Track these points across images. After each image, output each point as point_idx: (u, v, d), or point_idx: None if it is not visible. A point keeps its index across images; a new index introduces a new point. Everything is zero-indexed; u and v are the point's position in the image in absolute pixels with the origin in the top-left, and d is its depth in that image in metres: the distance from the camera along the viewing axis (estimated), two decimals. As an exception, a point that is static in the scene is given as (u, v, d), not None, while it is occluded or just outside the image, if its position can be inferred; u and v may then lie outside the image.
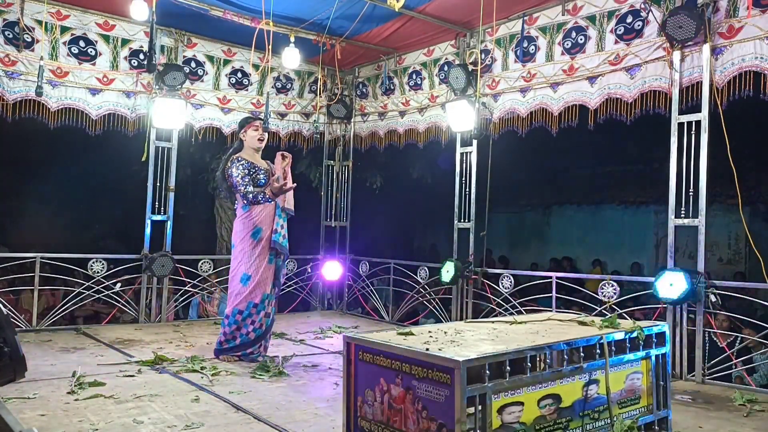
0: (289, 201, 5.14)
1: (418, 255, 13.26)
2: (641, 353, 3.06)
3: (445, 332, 2.97)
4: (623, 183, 12.64)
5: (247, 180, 4.96)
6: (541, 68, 6.08)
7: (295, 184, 5.09)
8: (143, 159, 6.82)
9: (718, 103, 4.77)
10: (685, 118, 5.01)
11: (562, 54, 5.91)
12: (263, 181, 5.03)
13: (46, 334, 6.05)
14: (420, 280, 7.40)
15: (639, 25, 5.36)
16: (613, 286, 5.53)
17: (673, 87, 5.06)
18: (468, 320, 4.20)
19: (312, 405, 3.88)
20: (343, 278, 8.36)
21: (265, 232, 4.98)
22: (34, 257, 6.38)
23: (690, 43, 4.89)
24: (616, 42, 5.51)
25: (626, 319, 3.66)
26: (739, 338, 4.96)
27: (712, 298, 4.82)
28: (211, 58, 7.39)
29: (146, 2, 5.61)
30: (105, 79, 6.61)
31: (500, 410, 2.49)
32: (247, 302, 4.95)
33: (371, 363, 2.74)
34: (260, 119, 5.44)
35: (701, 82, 4.89)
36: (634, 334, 3.03)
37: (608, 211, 13.47)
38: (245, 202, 4.97)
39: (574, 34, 5.83)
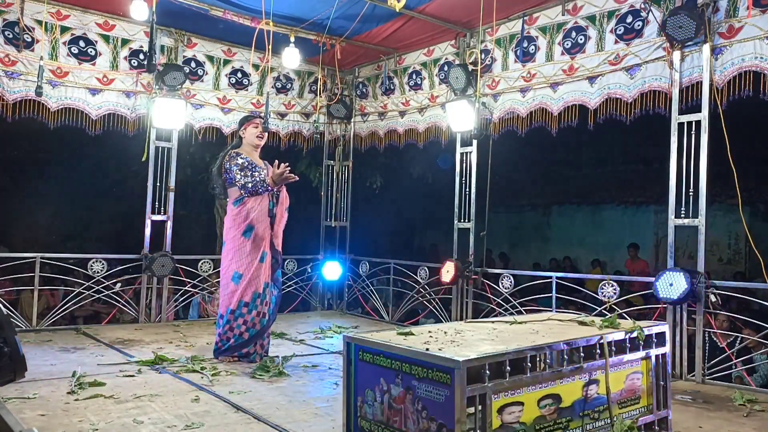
0: (277, 240, 5.14)
1: (418, 255, 13.26)
2: (641, 353, 3.07)
3: (445, 332, 2.97)
4: (623, 183, 12.65)
5: (244, 172, 4.94)
6: (541, 68, 6.08)
7: (297, 178, 5.04)
8: (143, 159, 6.81)
9: (718, 103, 4.77)
10: (685, 118, 5.01)
11: (562, 54, 5.91)
12: (260, 178, 5.02)
13: (46, 334, 6.05)
14: (420, 280, 7.40)
15: (639, 25, 5.36)
16: (613, 286, 5.53)
17: (673, 87, 5.06)
18: (468, 320, 4.21)
19: (312, 405, 3.88)
20: (343, 278, 8.37)
21: (257, 230, 4.96)
22: (34, 257, 6.38)
23: (690, 43, 4.89)
24: (616, 42, 5.51)
25: (626, 319, 3.66)
26: (739, 338, 4.96)
27: (712, 298, 4.82)
28: (211, 58, 7.39)
29: (146, 2, 5.62)
30: (105, 79, 6.62)
31: (500, 410, 2.49)
32: (239, 301, 4.92)
33: (371, 363, 2.74)
34: (261, 118, 5.44)
35: (701, 82, 4.89)
36: (634, 334, 3.03)
37: (608, 211, 13.48)
38: (242, 193, 4.91)
39: (574, 34, 5.83)
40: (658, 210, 11.70)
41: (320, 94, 8.17)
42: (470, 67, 6.51)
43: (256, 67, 7.57)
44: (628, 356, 3.00)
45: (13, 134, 8.61)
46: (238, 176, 4.92)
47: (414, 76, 7.58)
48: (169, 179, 6.93)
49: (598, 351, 2.85)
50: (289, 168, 4.88)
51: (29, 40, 6.14)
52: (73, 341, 5.73)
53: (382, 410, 2.67)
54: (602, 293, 5.57)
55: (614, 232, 13.16)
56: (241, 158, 4.99)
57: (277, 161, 5.08)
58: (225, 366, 4.83)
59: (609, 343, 2.89)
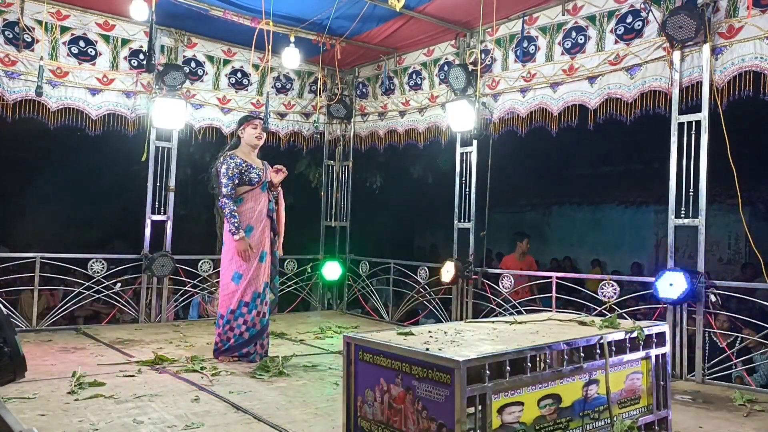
0: (281, 239, 5.24)
1: (418, 255, 13.26)
2: (641, 353, 3.07)
3: (445, 332, 2.97)
4: (623, 183, 12.65)
5: (234, 180, 4.89)
6: (541, 68, 6.08)
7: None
8: (143, 159, 6.81)
9: (718, 103, 4.77)
10: (685, 118, 5.01)
11: (562, 54, 5.91)
12: (255, 179, 4.99)
13: (46, 334, 6.05)
14: (420, 280, 7.39)
15: (639, 25, 5.36)
16: (613, 286, 5.53)
17: (673, 87, 5.06)
18: (468, 320, 4.21)
19: (312, 405, 3.88)
20: (343, 278, 8.36)
21: (256, 230, 4.95)
22: (34, 257, 6.38)
23: (690, 43, 4.89)
24: (616, 42, 5.51)
25: (626, 319, 3.66)
26: (739, 338, 4.96)
27: (712, 298, 4.82)
28: (211, 58, 7.39)
29: (146, 2, 5.61)
30: (105, 79, 6.62)
31: (500, 410, 2.49)
32: (239, 301, 4.93)
33: (371, 363, 2.74)
34: (260, 119, 5.43)
35: (701, 82, 4.89)
36: (634, 334, 3.03)
37: (608, 211, 13.48)
38: (224, 201, 4.90)
39: (574, 34, 5.83)
40: (658, 210, 11.70)
41: (320, 94, 8.17)
42: (470, 67, 6.51)
43: (256, 67, 7.57)
44: (628, 356, 3.00)
45: (13, 134, 8.61)
46: (224, 180, 4.90)
47: (414, 76, 7.58)
48: (169, 179, 6.93)
49: (598, 351, 2.85)
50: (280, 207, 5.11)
51: (29, 40, 6.14)
52: (73, 341, 5.73)
53: (382, 410, 2.67)
54: (602, 293, 5.57)
55: (614, 232, 13.16)
56: (234, 161, 4.94)
57: (275, 168, 5.10)
58: (225, 366, 4.83)
59: (609, 343, 2.89)
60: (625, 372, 2.99)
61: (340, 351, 3.35)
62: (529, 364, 2.59)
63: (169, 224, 6.93)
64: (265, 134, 5.27)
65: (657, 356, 3.14)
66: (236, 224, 4.85)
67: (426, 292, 7.32)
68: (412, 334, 2.89)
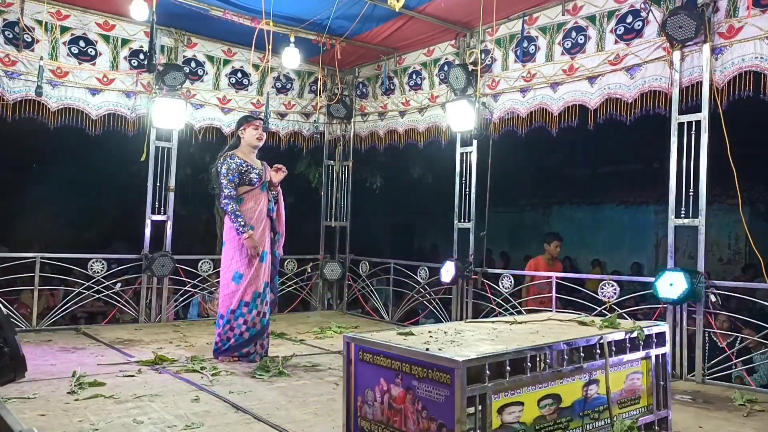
0: (282, 239, 5.28)
1: (418, 255, 13.27)
2: (641, 353, 3.06)
3: (445, 332, 2.97)
4: (623, 183, 12.67)
5: (235, 181, 4.91)
6: (541, 68, 6.08)
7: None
8: (142, 159, 6.81)
9: (718, 103, 4.77)
10: (685, 118, 5.01)
11: (562, 54, 5.91)
12: (255, 180, 5.00)
13: (46, 334, 6.05)
14: (420, 280, 7.39)
15: (639, 25, 5.36)
16: (613, 286, 5.53)
17: (673, 87, 5.06)
18: (468, 320, 4.20)
19: (312, 405, 3.88)
20: (343, 278, 8.36)
21: (256, 230, 4.95)
22: (34, 257, 6.38)
23: (690, 43, 4.89)
24: (616, 42, 5.51)
25: (626, 319, 3.65)
26: (739, 338, 4.96)
27: (712, 298, 4.82)
28: (211, 58, 7.39)
29: (146, 2, 5.61)
30: (105, 79, 6.62)
31: (500, 410, 2.48)
32: (239, 301, 4.93)
33: (371, 363, 2.74)
34: (260, 119, 5.44)
35: (701, 82, 4.89)
36: (634, 334, 3.03)
37: (608, 211, 13.50)
38: (224, 202, 4.93)
39: (574, 34, 5.83)
40: (658, 210, 11.71)
41: (320, 94, 8.17)
42: (470, 67, 6.51)
43: (256, 67, 7.57)
44: (628, 356, 3.00)
45: (13, 134, 8.61)
46: (224, 181, 4.91)
47: (414, 76, 7.58)
48: (169, 179, 6.93)
49: (598, 351, 2.84)
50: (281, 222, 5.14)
51: (29, 40, 6.14)
52: (73, 341, 5.74)
53: (382, 410, 2.67)
54: (602, 293, 5.57)
55: (614, 232, 13.17)
56: (234, 161, 4.95)
57: (274, 167, 5.11)
58: (225, 366, 4.83)
59: (609, 343, 2.89)
60: (625, 372, 2.99)
61: (340, 351, 3.35)
62: (529, 364, 2.58)
63: (169, 224, 6.93)
64: (265, 135, 5.28)
65: (657, 356, 3.14)
66: (242, 222, 4.86)
67: (426, 292, 7.32)
68: (412, 334, 2.89)
